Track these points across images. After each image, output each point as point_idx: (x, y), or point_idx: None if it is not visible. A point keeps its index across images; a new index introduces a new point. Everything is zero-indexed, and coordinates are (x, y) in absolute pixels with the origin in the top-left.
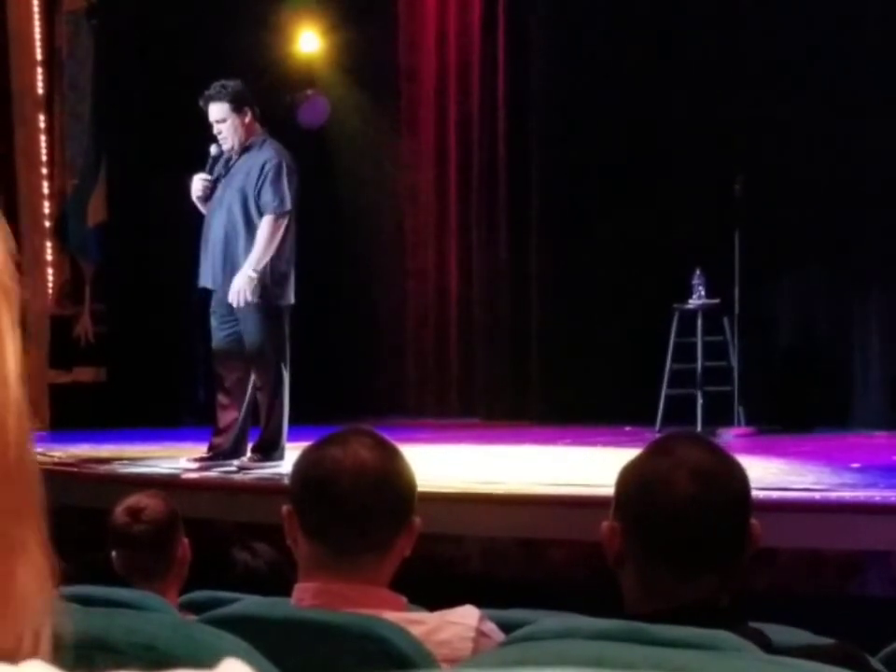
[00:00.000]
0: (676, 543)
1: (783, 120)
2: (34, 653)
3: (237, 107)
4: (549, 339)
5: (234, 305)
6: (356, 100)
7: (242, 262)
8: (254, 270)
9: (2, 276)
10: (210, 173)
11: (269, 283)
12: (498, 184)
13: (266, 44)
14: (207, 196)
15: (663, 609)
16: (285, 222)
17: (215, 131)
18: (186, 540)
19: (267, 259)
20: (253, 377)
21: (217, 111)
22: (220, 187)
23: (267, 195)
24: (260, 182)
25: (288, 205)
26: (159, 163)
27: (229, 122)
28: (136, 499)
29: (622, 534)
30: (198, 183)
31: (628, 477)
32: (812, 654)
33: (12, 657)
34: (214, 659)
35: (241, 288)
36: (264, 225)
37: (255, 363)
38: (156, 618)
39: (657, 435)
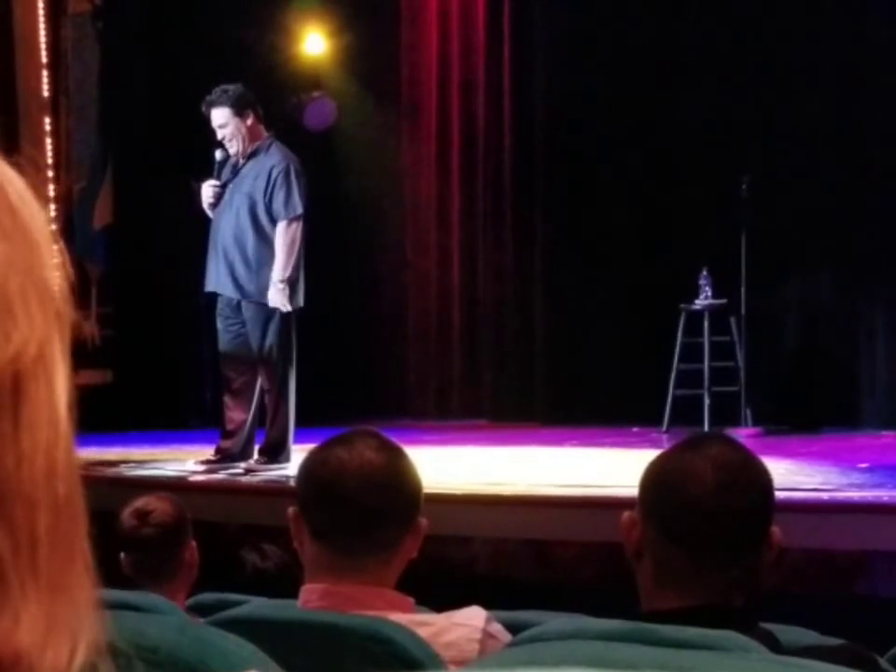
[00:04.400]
0: (694, 534)
1: (789, 121)
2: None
3: (239, 111)
4: (555, 339)
5: (257, 312)
6: (361, 102)
7: (251, 267)
8: (281, 280)
9: (58, 303)
10: (218, 178)
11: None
12: (503, 184)
13: (272, 46)
14: (217, 203)
15: (676, 607)
16: (299, 226)
17: (219, 136)
18: (194, 543)
19: (291, 265)
20: (260, 379)
21: (220, 116)
22: (228, 191)
23: (278, 201)
24: (270, 188)
25: (300, 209)
26: (165, 166)
27: (232, 126)
28: (145, 502)
29: (641, 524)
30: (208, 190)
31: (653, 469)
32: (820, 654)
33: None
34: (221, 662)
35: (276, 300)
36: (280, 232)
37: (262, 365)
38: (162, 620)
39: (664, 436)
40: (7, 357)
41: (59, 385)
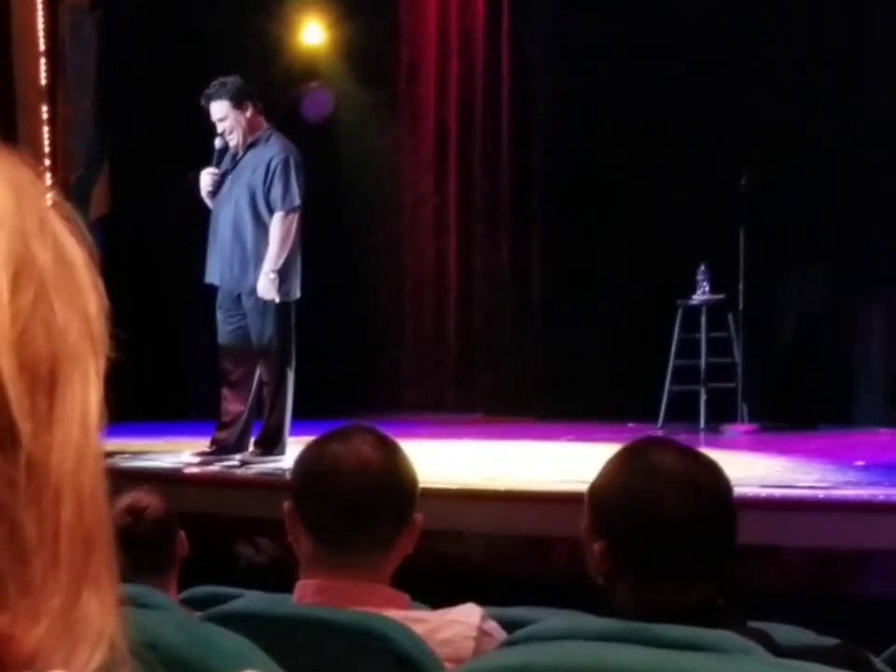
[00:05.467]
0: (673, 559)
1: (788, 116)
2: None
3: (237, 103)
4: (551, 334)
5: (257, 304)
6: (359, 93)
7: (250, 258)
8: (273, 270)
9: (94, 326)
10: (217, 166)
11: (277, 278)
12: (500, 177)
13: (270, 36)
14: (216, 191)
15: (660, 612)
16: (296, 217)
17: (219, 129)
18: (183, 534)
19: (284, 256)
20: (259, 372)
21: (218, 109)
22: (228, 182)
23: (276, 192)
24: (269, 179)
25: (297, 201)
26: (163, 156)
27: (231, 119)
28: (135, 498)
29: (609, 552)
30: (206, 178)
31: (609, 493)
32: (816, 655)
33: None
34: (219, 659)
35: (265, 289)
36: (276, 223)
37: (261, 358)
38: (159, 616)
39: (660, 432)
40: (48, 350)
41: (92, 399)
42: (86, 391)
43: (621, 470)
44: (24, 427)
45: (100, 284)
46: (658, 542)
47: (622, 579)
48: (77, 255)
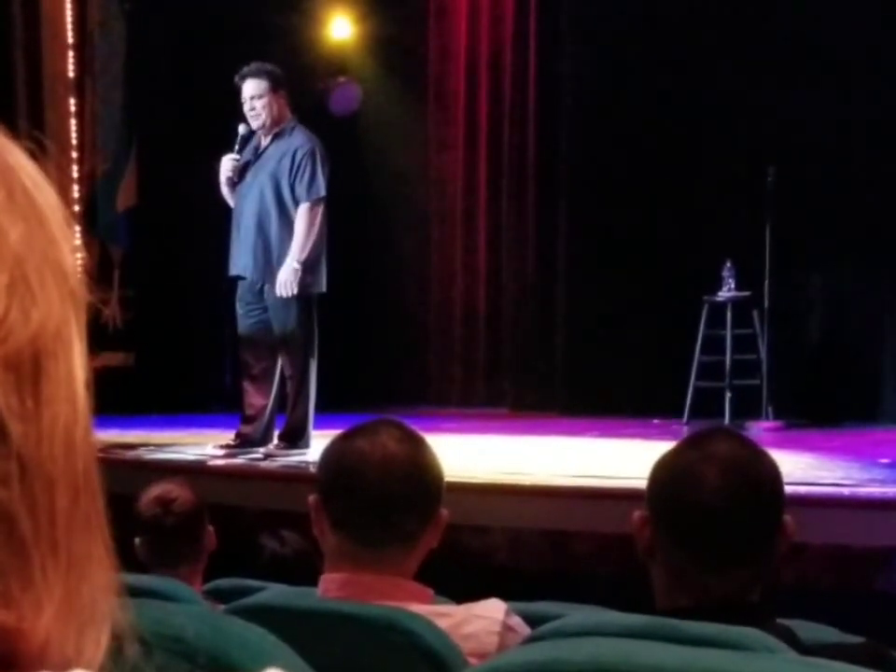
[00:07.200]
0: (703, 537)
1: (816, 112)
2: (92, 662)
3: (275, 87)
4: (577, 329)
5: (281, 296)
6: (387, 87)
7: (274, 249)
8: (297, 261)
9: (73, 281)
10: (239, 153)
11: (301, 271)
12: (527, 175)
13: (298, 30)
14: (236, 179)
15: (691, 604)
16: (321, 209)
17: (247, 108)
18: (211, 528)
19: (308, 247)
20: (281, 365)
21: (255, 87)
22: (250, 173)
23: (302, 183)
24: (294, 170)
25: (323, 192)
26: (190, 149)
27: (265, 99)
28: (165, 489)
29: (651, 525)
30: (227, 163)
31: (659, 469)
32: (841, 653)
33: (68, 665)
34: (243, 653)
35: (286, 280)
36: (301, 214)
37: (284, 350)
38: (184, 609)
39: (685, 428)
40: (28, 335)
41: (76, 363)
42: (69, 359)
43: (677, 448)
44: (15, 427)
45: (72, 224)
46: (691, 518)
47: (658, 554)
48: (48, 200)
